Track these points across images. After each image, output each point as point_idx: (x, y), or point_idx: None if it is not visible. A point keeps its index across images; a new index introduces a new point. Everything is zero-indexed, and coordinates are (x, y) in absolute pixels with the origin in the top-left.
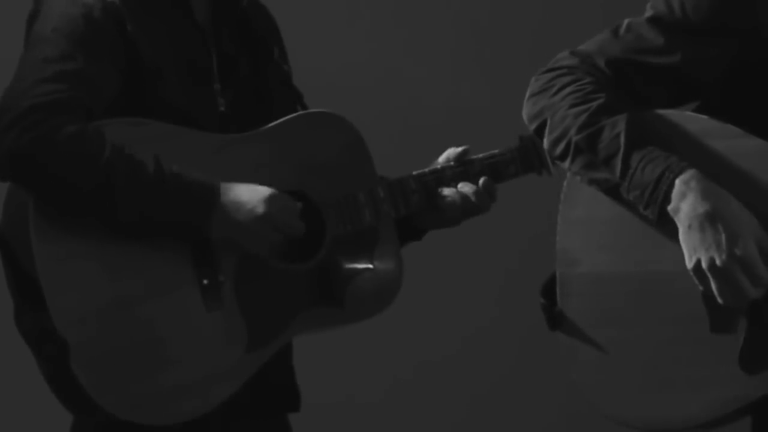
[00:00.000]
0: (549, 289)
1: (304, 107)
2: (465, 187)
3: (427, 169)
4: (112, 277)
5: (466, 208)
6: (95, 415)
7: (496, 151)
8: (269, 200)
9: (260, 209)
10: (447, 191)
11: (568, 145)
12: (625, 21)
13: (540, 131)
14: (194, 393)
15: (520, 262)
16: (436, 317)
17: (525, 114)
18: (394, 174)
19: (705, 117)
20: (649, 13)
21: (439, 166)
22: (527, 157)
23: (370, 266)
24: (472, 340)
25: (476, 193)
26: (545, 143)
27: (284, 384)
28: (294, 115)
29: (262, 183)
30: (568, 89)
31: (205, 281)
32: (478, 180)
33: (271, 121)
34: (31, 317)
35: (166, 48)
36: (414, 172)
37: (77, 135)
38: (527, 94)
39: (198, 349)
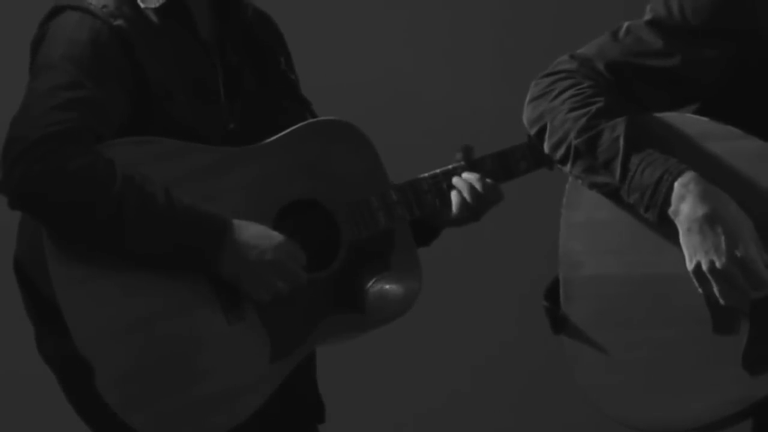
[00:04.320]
0: (552, 293)
1: (313, 115)
2: (470, 176)
3: (438, 170)
4: (131, 296)
5: (472, 198)
6: None
7: (506, 148)
8: (279, 247)
9: (269, 255)
10: (455, 180)
11: (568, 148)
12: (625, 24)
13: (540, 135)
14: (222, 407)
15: (525, 268)
16: (449, 328)
17: (525, 118)
18: (401, 178)
19: (705, 119)
20: (648, 15)
21: (450, 166)
22: (537, 152)
23: (388, 270)
24: (493, 350)
25: (480, 181)
26: (546, 147)
27: (309, 395)
28: (303, 123)
29: (273, 192)
30: (568, 93)
31: (224, 295)
32: (490, 179)
33: (280, 132)
34: (52, 341)
35: (173, 68)
36: (426, 174)
37: (87, 166)
38: (527, 99)
39: (223, 362)
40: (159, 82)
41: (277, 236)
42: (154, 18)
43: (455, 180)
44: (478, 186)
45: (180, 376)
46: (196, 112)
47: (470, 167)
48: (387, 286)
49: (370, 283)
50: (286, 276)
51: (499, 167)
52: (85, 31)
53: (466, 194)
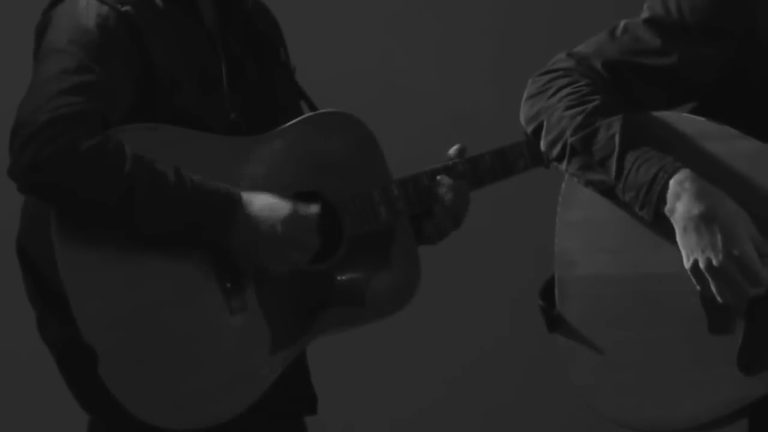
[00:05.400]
0: (548, 292)
1: (313, 107)
2: (448, 194)
3: (439, 165)
4: (137, 283)
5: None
6: (120, 421)
7: (504, 145)
8: (289, 220)
9: (279, 228)
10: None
11: (564, 146)
12: (622, 22)
13: (537, 133)
14: (222, 396)
15: (521, 267)
16: (447, 326)
17: (522, 116)
18: (396, 172)
19: (701, 118)
20: (645, 14)
21: (450, 162)
22: (536, 150)
23: (388, 263)
24: (487, 349)
25: (456, 196)
26: (542, 145)
27: (301, 387)
28: (306, 115)
29: (279, 184)
30: (565, 91)
31: (228, 284)
32: (489, 176)
33: (280, 124)
34: (55, 326)
35: (178, 55)
36: (426, 168)
37: (97, 147)
38: (524, 96)
39: (224, 352)
40: (165, 69)
41: (285, 207)
42: (160, 5)
43: (438, 188)
44: (456, 190)
45: (182, 364)
46: (199, 100)
47: (469, 163)
48: (386, 280)
49: (370, 277)
50: (299, 247)
51: (498, 164)
52: (92, 16)
53: (447, 202)
